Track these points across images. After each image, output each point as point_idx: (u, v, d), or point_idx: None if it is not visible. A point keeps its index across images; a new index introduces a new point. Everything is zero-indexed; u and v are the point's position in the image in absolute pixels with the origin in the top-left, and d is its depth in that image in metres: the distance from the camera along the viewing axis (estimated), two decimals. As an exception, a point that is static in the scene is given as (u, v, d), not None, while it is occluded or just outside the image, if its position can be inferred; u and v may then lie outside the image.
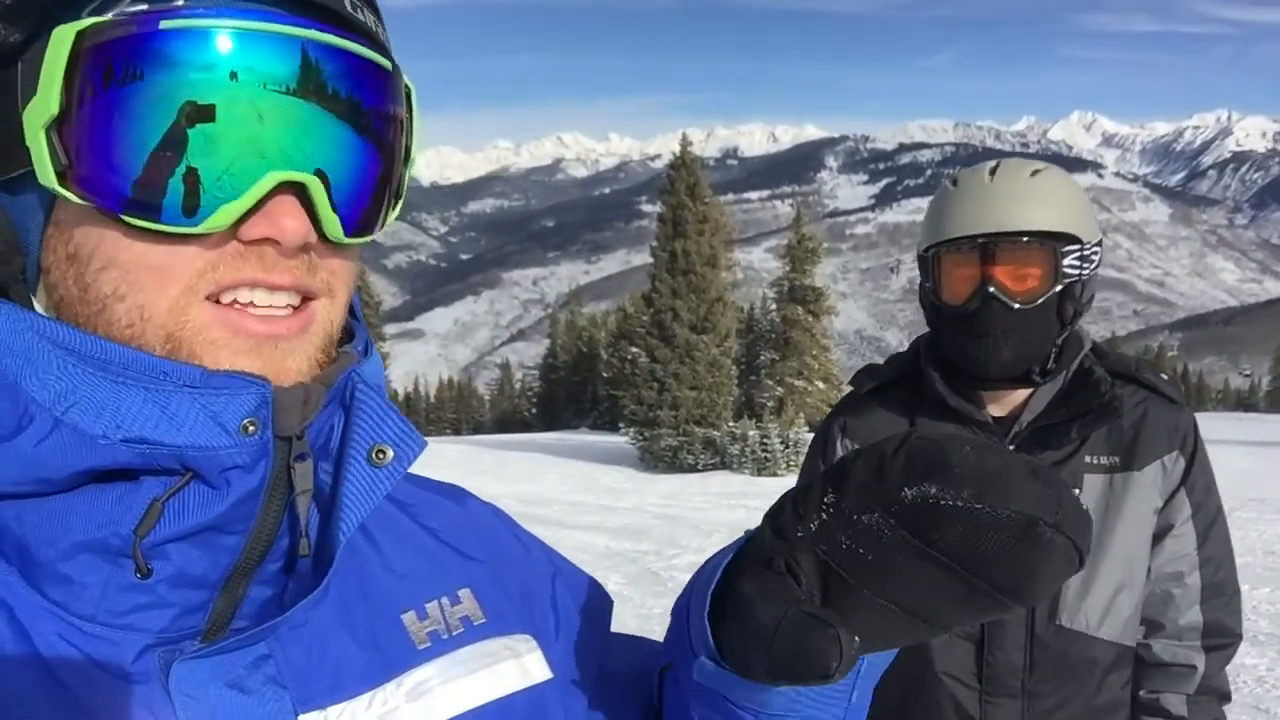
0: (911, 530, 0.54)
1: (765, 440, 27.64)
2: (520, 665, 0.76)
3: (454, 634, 0.74)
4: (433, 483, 0.86)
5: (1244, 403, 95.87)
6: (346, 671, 0.67)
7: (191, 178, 0.56)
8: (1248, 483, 14.32)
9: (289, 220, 0.59)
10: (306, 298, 0.62)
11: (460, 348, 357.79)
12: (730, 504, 15.48)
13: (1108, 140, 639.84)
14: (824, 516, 0.58)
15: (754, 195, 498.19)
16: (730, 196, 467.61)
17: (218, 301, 0.59)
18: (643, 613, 7.69)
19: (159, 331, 0.58)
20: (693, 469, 27.74)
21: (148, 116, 0.55)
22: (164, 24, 0.54)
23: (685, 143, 33.66)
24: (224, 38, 0.55)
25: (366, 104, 0.61)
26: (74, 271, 0.59)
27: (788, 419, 29.30)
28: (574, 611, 0.85)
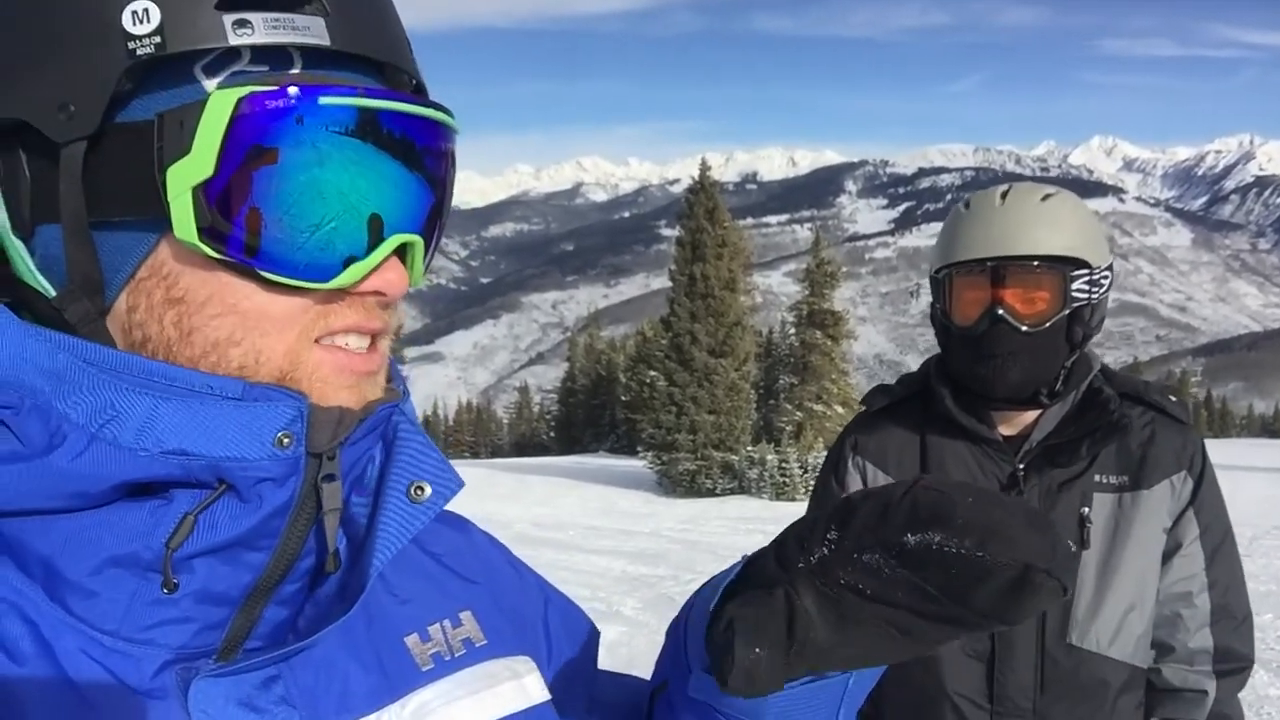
0: (911, 570, 0.58)
1: (784, 465, 27.54)
2: (520, 686, 0.78)
3: (456, 656, 0.76)
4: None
5: (1269, 429, 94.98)
6: (353, 693, 0.69)
7: (326, 238, 0.60)
8: (1271, 510, 14.18)
9: (394, 275, 0.64)
10: (376, 335, 0.67)
11: (479, 371, 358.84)
12: (748, 529, 15.42)
13: (1129, 165, 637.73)
14: (825, 552, 0.61)
15: (773, 219, 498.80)
16: (749, 220, 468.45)
17: (317, 342, 0.64)
18: (659, 638, 7.61)
19: (273, 372, 0.62)
20: (711, 493, 27.66)
21: (294, 184, 0.59)
22: (322, 100, 0.58)
23: (704, 167, 33.76)
24: (367, 115, 0.60)
25: (445, 170, 0.67)
26: (175, 314, 0.61)
27: (806, 443, 29.20)
28: (564, 639, 0.87)
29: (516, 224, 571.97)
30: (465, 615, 0.80)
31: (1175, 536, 1.83)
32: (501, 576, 0.87)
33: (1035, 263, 1.74)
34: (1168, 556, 1.83)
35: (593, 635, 0.92)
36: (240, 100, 0.57)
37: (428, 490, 0.69)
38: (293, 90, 0.58)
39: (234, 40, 0.58)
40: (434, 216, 0.66)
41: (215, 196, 0.58)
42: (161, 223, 0.59)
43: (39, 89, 0.58)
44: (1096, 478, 1.82)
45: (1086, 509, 1.80)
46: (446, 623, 0.78)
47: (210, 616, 0.64)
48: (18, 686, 0.58)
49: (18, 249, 0.62)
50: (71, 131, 0.58)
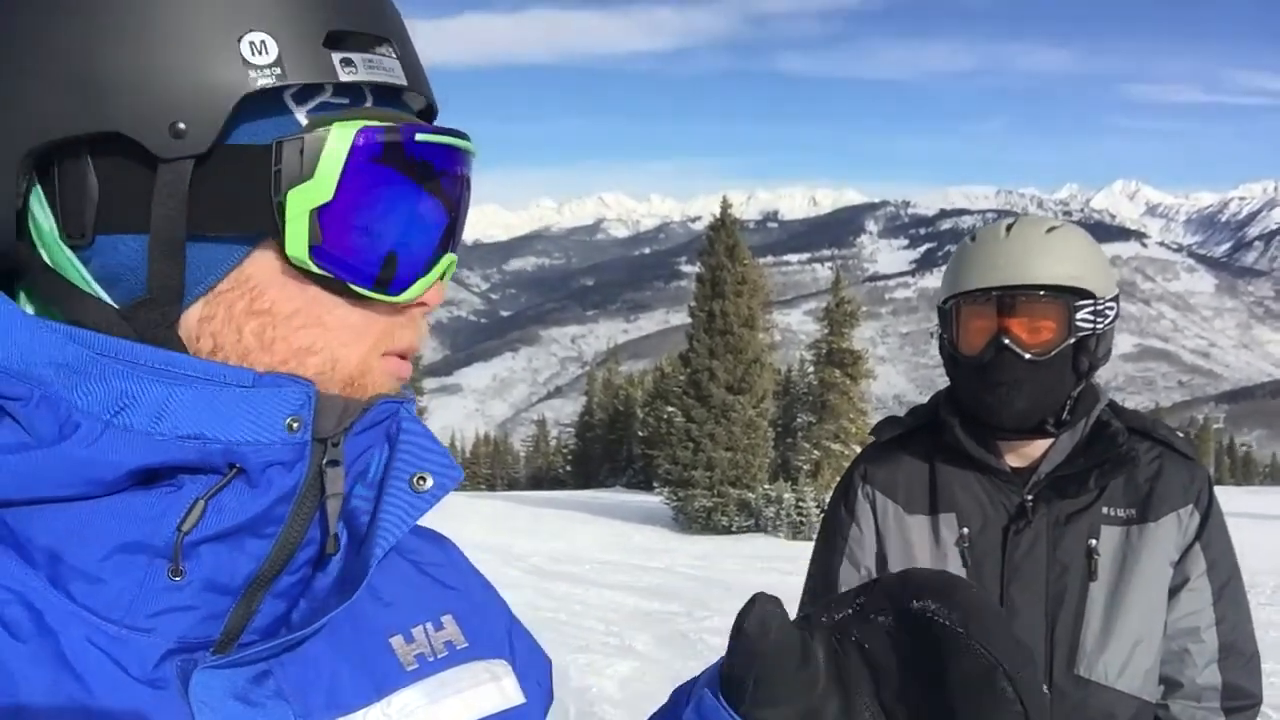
0: (909, 633, 0.67)
1: (800, 503, 27.42)
2: (499, 688, 0.81)
3: (439, 657, 0.79)
4: (418, 526, 0.89)
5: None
6: (341, 689, 0.71)
7: (406, 257, 0.68)
8: (1295, 559, 13.96)
9: (437, 289, 0.72)
10: None
11: (498, 403, 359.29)
12: (763, 567, 15.36)
13: (1152, 210, 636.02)
14: (848, 613, 0.69)
15: (793, 258, 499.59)
16: (770, 259, 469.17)
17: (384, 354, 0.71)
18: (671, 675, 7.60)
19: (344, 378, 0.68)
20: (727, 530, 27.56)
21: (390, 210, 0.66)
22: (419, 137, 0.66)
23: (725, 205, 33.95)
24: (447, 150, 0.68)
25: (468, 195, 0.73)
26: (258, 324, 0.65)
27: (824, 482, 29.07)
28: (526, 660, 0.89)
29: (538, 258, 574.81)
30: (446, 619, 0.82)
31: (1182, 571, 1.83)
32: (476, 588, 0.90)
33: (1040, 291, 1.77)
34: (1174, 591, 1.83)
35: (548, 665, 0.93)
36: (358, 133, 0.63)
37: (430, 480, 0.72)
38: (400, 127, 0.65)
39: (343, 77, 0.63)
40: (457, 233, 0.73)
41: (328, 219, 0.63)
42: (255, 238, 0.64)
43: (146, 105, 0.60)
44: (1104, 510, 1.83)
45: (1094, 541, 1.82)
46: (429, 625, 0.80)
47: (213, 605, 0.65)
48: (22, 674, 0.59)
49: (68, 257, 0.64)
50: (179, 150, 0.60)
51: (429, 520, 0.75)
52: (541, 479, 75.09)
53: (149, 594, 0.63)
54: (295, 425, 0.65)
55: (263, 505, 0.64)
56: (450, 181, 0.70)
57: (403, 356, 0.73)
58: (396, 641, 0.77)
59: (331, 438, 0.69)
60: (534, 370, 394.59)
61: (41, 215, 0.64)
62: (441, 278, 0.72)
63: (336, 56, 0.63)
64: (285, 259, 0.64)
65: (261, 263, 0.64)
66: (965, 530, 1.87)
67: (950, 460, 1.91)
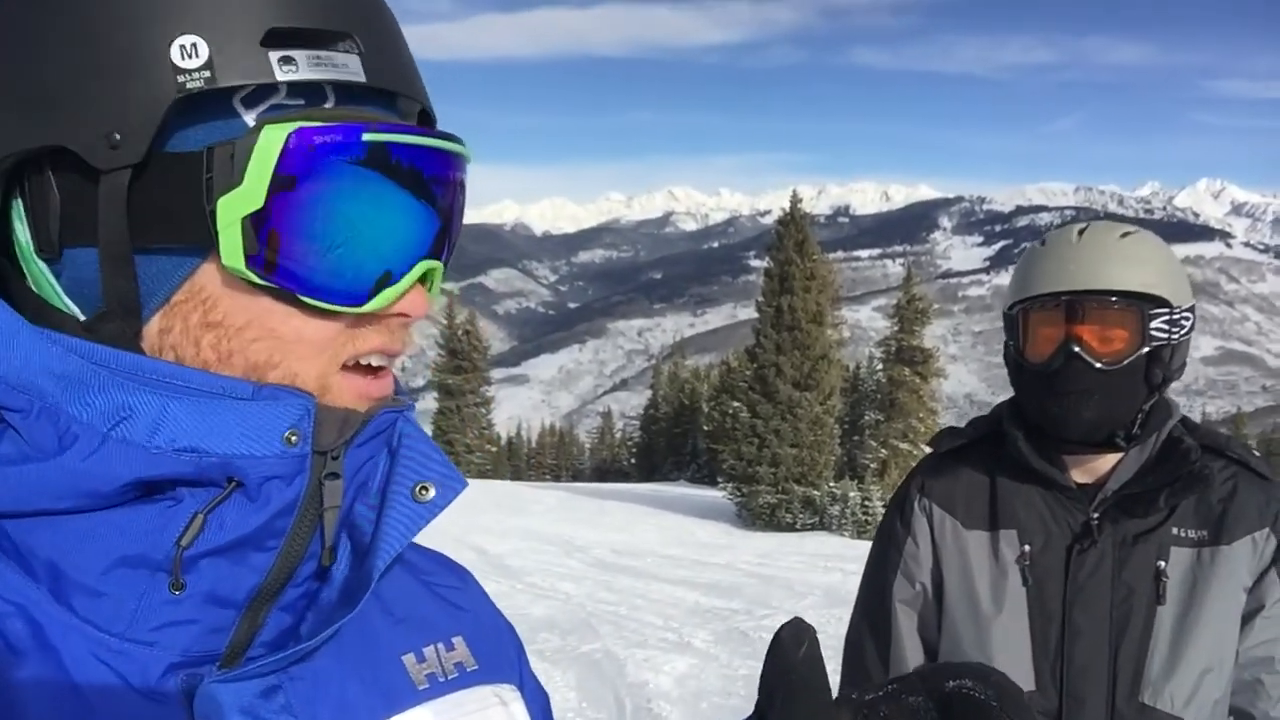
0: (939, 709, 0.66)
1: (866, 502, 27.12)
2: (507, 713, 0.81)
3: (449, 678, 0.78)
4: (435, 553, 0.92)
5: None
6: (351, 706, 0.70)
7: (364, 266, 0.64)
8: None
9: (418, 298, 0.68)
10: (394, 357, 0.71)
11: (564, 395, 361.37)
12: (826, 566, 15.18)
13: (1237, 209, 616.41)
14: (880, 694, 0.68)
15: (864, 253, 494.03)
16: (840, 254, 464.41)
17: (343, 368, 0.67)
18: (728, 673, 7.59)
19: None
20: (790, 528, 27.37)
21: (336, 215, 0.62)
22: (365, 136, 0.62)
23: (795, 199, 33.68)
24: (401, 150, 0.64)
25: (457, 198, 0.70)
26: (213, 337, 0.63)
27: (890, 481, 28.75)
28: (532, 689, 0.89)
29: (606, 251, 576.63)
30: (457, 640, 0.82)
31: (1257, 597, 1.74)
32: (486, 613, 0.89)
33: (1113, 299, 1.69)
34: (1248, 618, 1.74)
35: (548, 705, 0.93)
36: (290, 135, 0.60)
37: (432, 491, 0.71)
38: (339, 126, 0.62)
39: (280, 76, 0.61)
40: (443, 240, 0.69)
41: (263, 226, 0.60)
42: (202, 249, 0.62)
43: (82, 117, 0.59)
44: (1174, 531, 1.75)
45: (1163, 563, 1.74)
46: (440, 645, 0.80)
47: (216, 619, 0.65)
48: (23, 689, 0.58)
49: (42, 270, 0.64)
50: (116, 160, 0.59)
51: (441, 525, 0.74)
52: (606, 471, 75.33)
53: (150, 608, 0.62)
54: (294, 439, 0.64)
55: (263, 519, 0.64)
56: (420, 182, 0.66)
57: (377, 370, 0.69)
58: (409, 660, 0.77)
59: (332, 450, 0.68)
60: (600, 362, 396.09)
61: (20, 229, 0.64)
62: (427, 286, 0.69)
63: (275, 55, 0.61)
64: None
65: (211, 273, 0.63)
66: (1027, 548, 1.80)
67: (1012, 474, 1.85)
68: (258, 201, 0.60)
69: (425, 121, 0.72)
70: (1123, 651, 1.73)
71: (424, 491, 0.71)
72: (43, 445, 0.60)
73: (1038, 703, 1.75)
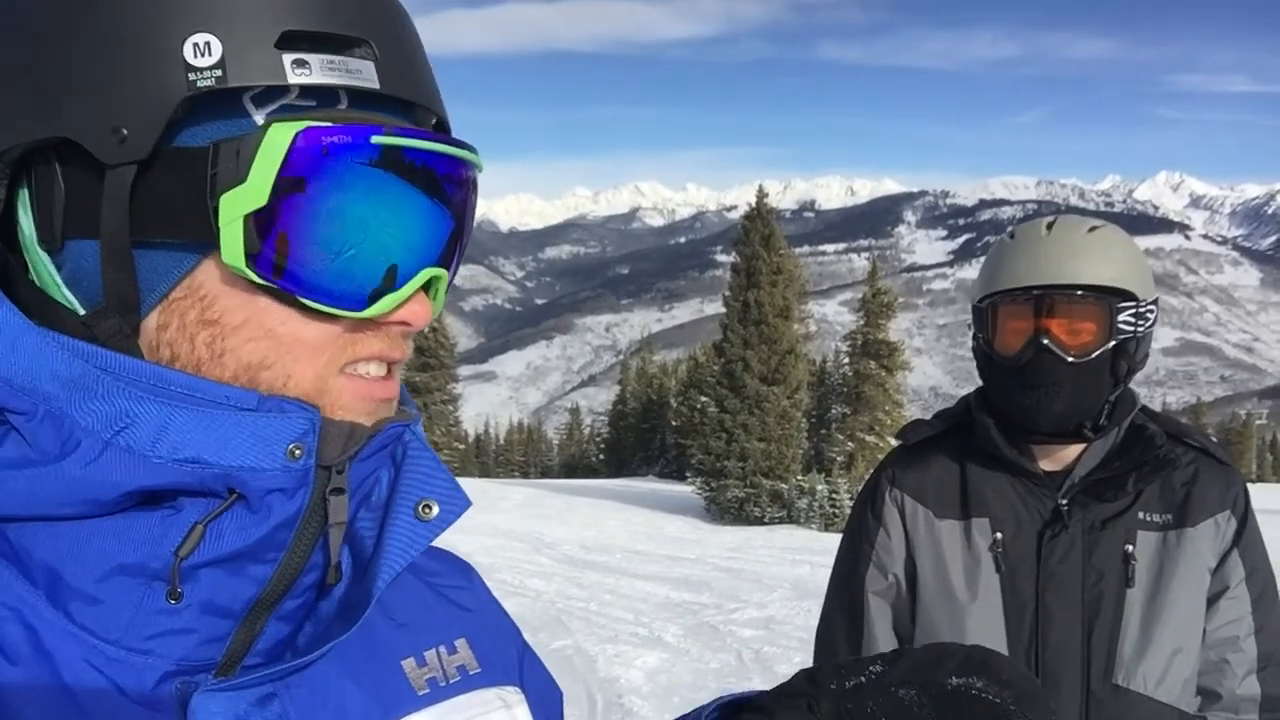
0: (941, 711, 0.62)
1: (834, 495, 27.31)
2: (510, 716, 0.81)
3: (451, 682, 0.78)
4: (441, 551, 0.91)
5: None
6: (349, 713, 0.70)
7: (367, 270, 0.64)
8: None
9: (420, 307, 0.67)
10: (394, 364, 0.70)
11: (531, 391, 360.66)
12: (795, 559, 15.27)
13: (1196, 201, 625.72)
14: (863, 680, 0.65)
15: (830, 248, 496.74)
16: (806, 248, 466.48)
17: (341, 371, 0.66)
18: (699, 666, 7.60)
19: (299, 397, 0.65)
20: (759, 521, 27.51)
21: (340, 218, 0.62)
22: (374, 139, 0.61)
23: (761, 194, 33.81)
24: (410, 155, 0.63)
25: (468, 205, 0.70)
26: (209, 335, 0.63)
27: (857, 474, 28.94)
28: (539, 691, 0.89)
29: (573, 246, 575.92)
30: (460, 643, 0.81)
31: (1221, 579, 1.78)
32: (490, 613, 0.89)
33: (1080, 293, 1.71)
34: (1213, 600, 1.78)
35: (558, 696, 0.93)
36: (297, 134, 0.60)
37: (435, 508, 0.70)
38: (348, 127, 0.61)
39: (293, 79, 0.60)
40: (453, 249, 0.69)
41: (265, 225, 0.60)
42: (203, 246, 0.61)
43: (89, 111, 0.59)
44: (1140, 515, 1.78)
45: (1131, 546, 1.77)
46: (442, 648, 0.79)
47: (212, 629, 0.64)
48: (16, 693, 0.58)
49: (44, 262, 0.63)
50: (123, 155, 0.59)
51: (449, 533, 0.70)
52: (574, 467, 75.31)
53: (146, 616, 0.62)
54: (298, 452, 0.63)
55: (263, 531, 0.63)
56: (430, 188, 0.65)
57: (388, 371, 0.69)
58: (408, 664, 0.76)
59: (336, 464, 0.68)
60: (568, 358, 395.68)
61: (24, 219, 0.63)
62: (431, 295, 0.69)
63: (289, 58, 0.61)
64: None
65: (211, 271, 0.62)
66: (999, 535, 1.82)
67: (982, 463, 1.87)
68: (261, 199, 0.59)
69: (441, 131, 0.72)
70: (1095, 634, 1.76)
71: (427, 510, 0.70)
72: (45, 449, 0.60)
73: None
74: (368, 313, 0.64)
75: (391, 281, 0.65)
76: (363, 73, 0.63)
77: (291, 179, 0.60)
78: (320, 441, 0.65)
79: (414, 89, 0.67)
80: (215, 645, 0.65)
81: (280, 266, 0.61)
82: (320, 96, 0.63)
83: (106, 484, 0.59)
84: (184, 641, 0.63)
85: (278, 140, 0.59)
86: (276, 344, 0.63)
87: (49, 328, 0.62)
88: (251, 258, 0.60)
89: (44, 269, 0.63)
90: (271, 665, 0.64)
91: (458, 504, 0.72)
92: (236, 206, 0.60)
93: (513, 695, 0.82)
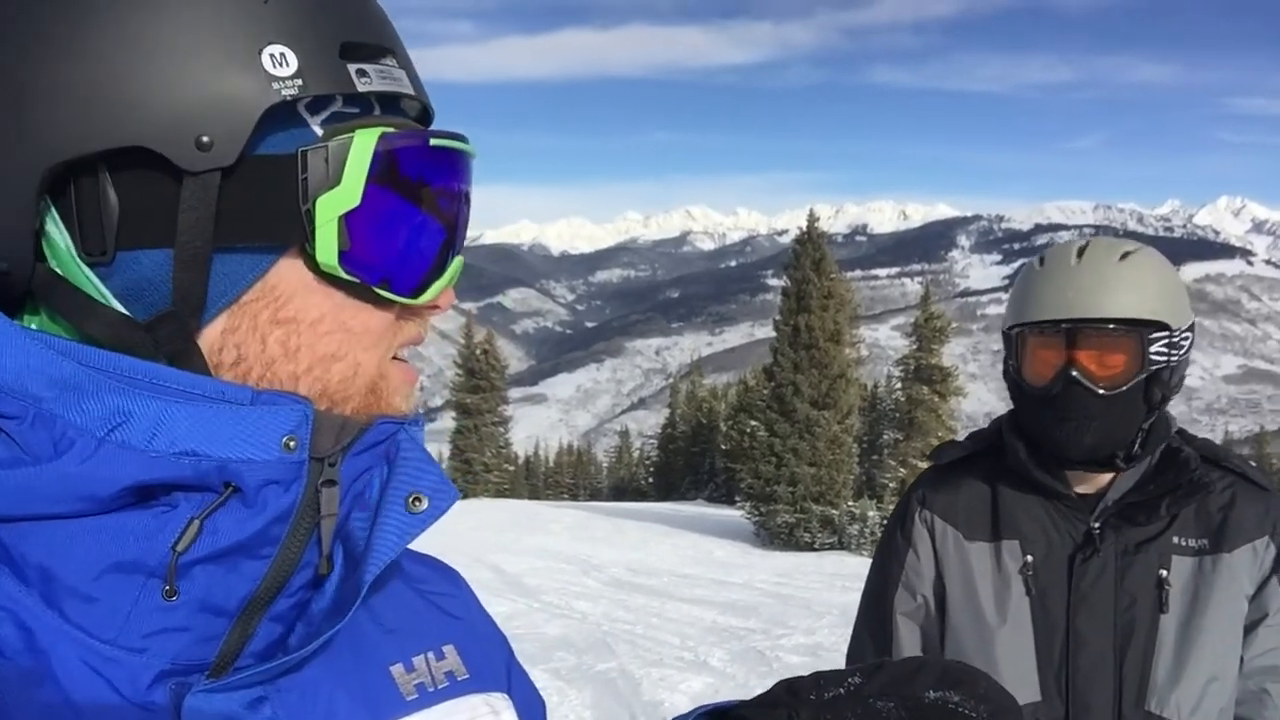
0: None
1: (885, 521, 26.95)
2: None
3: (439, 687, 0.78)
4: (430, 558, 0.92)
5: None
6: (338, 717, 0.70)
7: (422, 260, 0.70)
8: None
9: (449, 291, 0.73)
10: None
11: (581, 414, 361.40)
12: (844, 586, 15.11)
13: (1258, 226, 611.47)
14: (842, 692, 0.66)
15: (882, 272, 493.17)
16: (858, 273, 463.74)
17: (392, 357, 0.72)
18: (744, 692, 7.54)
19: (366, 384, 0.69)
20: (809, 547, 27.23)
21: (411, 213, 0.68)
22: (433, 142, 0.68)
23: (812, 218, 33.64)
24: (456, 155, 0.70)
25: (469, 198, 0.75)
26: (282, 333, 0.66)
27: (908, 501, 28.50)
28: (524, 700, 0.89)
29: (624, 270, 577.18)
30: (448, 649, 0.82)
31: (1259, 606, 1.76)
32: (479, 620, 0.90)
33: (1111, 326, 1.69)
34: (1251, 628, 1.75)
35: (542, 707, 0.93)
36: (380, 139, 0.65)
37: (425, 502, 0.72)
38: (413, 133, 0.67)
39: (360, 87, 0.65)
40: (463, 237, 0.75)
41: (354, 224, 0.64)
42: (281, 247, 0.64)
43: (168, 119, 0.60)
44: (1175, 539, 1.76)
45: (1165, 571, 1.75)
46: (430, 654, 0.80)
47: (207, 627, 0.65)
48: (10, 694, 0.58)
49: (84, 272, 0.63)
50: (206, 162, 0.60)
51: (458, 544, 0.78)
52: (623, 490, 75.13)
53: (142, 614, 0.62)
54: (292, 444, 0.64)
55: (258, 525, 0.64)
56: (459, 186, 0.72)
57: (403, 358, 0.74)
58: (397, 670, 0.77)
59: (329, 457, 0.70)
60: (618, 381, 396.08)
61: (56, 232, 0.63)
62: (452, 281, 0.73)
63: (352, 68, 0.65)
64: (311, 266, 0.65)
65: (286, 271, 0.65)
66: (1029, 558, 1.81)
67: (1013, 485, 1.86)
68: (354, 200, 0.64)
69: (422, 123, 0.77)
70: (1128, 660, 1.74)
71: (417, 502, 0.72)
72: (38, 451, 0.60)
73: (1044, 712, 1.76)
74: (424, 298, 0.70)
75: (440, 268, 0.71)
76: (401, 80, 0.69)
77: (377, 180, 0.65)
78: (314, 433, 0.66)
79: (425, 92, 0.73)
80: (209, 644, 0.65)
81: (362, 262, 0.65)
82: (357, 104, 0.67)
83: (103, 479, 0.60)
84: (179, 640, 0.64)
85: (365, 145, 0.64)
86: (349, 335, 0.67)
87: (90, 336, 0.63)
88: (341, 256, 0.64)
89: (85, 280, 0.63)
90: (263, 665, 0.65)
91: (446, 496, 0.74)
92: (332, 208, 0.63)
93: (500, 702, 0.83)
